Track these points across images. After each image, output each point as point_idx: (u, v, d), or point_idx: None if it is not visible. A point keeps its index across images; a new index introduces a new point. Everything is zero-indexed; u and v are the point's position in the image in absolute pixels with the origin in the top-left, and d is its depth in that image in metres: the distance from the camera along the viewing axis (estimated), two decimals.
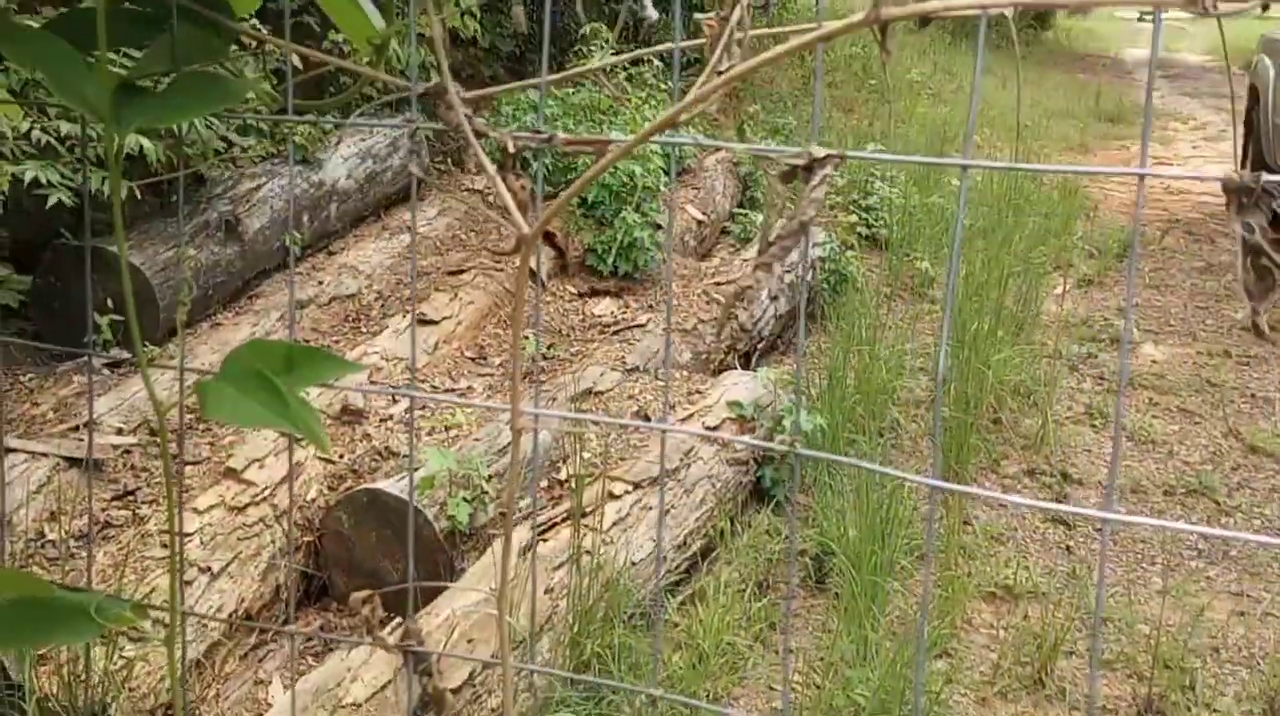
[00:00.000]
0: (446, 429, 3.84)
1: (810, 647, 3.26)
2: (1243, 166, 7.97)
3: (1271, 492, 4.25)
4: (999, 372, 4.72)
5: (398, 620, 2.95)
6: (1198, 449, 4.56)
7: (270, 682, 2.99)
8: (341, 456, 3.64)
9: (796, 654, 3.24)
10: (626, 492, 3.51)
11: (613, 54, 6.69)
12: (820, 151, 0.81)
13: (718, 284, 5.33)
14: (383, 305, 4.93)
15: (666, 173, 6.78)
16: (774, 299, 5.47)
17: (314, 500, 3.43)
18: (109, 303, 3.97)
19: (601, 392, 4.15)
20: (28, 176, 3.89)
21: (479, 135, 0.89)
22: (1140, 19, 23.02)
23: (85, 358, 3.99)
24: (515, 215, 0.86)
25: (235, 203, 4.80)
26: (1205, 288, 6.69)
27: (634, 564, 3.30)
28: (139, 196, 4.24)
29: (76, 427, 3.53)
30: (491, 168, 0.88)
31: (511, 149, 0.90)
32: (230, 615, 3.04)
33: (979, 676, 3.14)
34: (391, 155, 5.96)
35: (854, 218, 7.05)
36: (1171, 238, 7.76)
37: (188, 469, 3.45)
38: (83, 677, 2.61)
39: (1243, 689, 3.13)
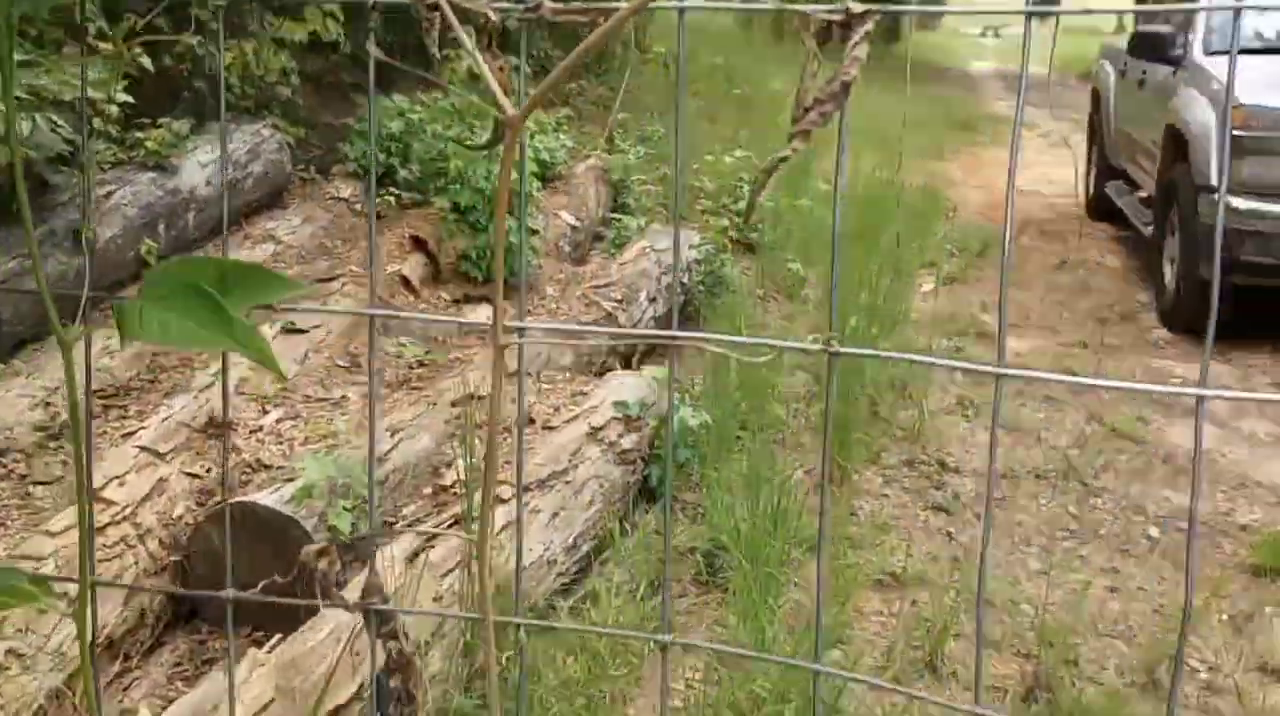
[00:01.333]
0: (322, 437, 3.68)
1: (700, 644, 3.22)
2: (1088, 171, 8.31)
3: (1134, 473, 4.41)
4: (874, 368, 4.79)
5: (277, 637, 2.80)
6: (1064, 434, 4.71)
7: (137, 712, 2.79)
8: (208, 470, 3.45)
9: (692, 650, 3.20)
10: (513, 496, 3.42)
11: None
12: (859, 7, 0.76)
13: (596, 287, 5.28)
14: (246, 316, 4.71)
15: (540, 179, 6.72)
16: (652, 301, 5.46)
17: (180, 517, 3.24)
18: None
19: (484, 396, 4.05)
20: None
21: (434, 8, 0.81)
22: (983, 35, 24.02)
23: None
24: (499, 96, 0.78)
25: (84, 207, 4.53)
26: (1060, 283, 6.96)
27: (525, 567, 3.21)
28: None
29: None
30: (470, 43, 0.80)
31: (493, 18, 0.82)
32: (90, 643, 2.83)
33: (872, 663, 3.15)
34: (252, 162, 5.74)
35: (725, 222, 7.10)
36: (1026, 237, 8.05)
37: (39, 490, 3.23)
38: None
39: (1123, 661, 3.21)
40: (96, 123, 4.83)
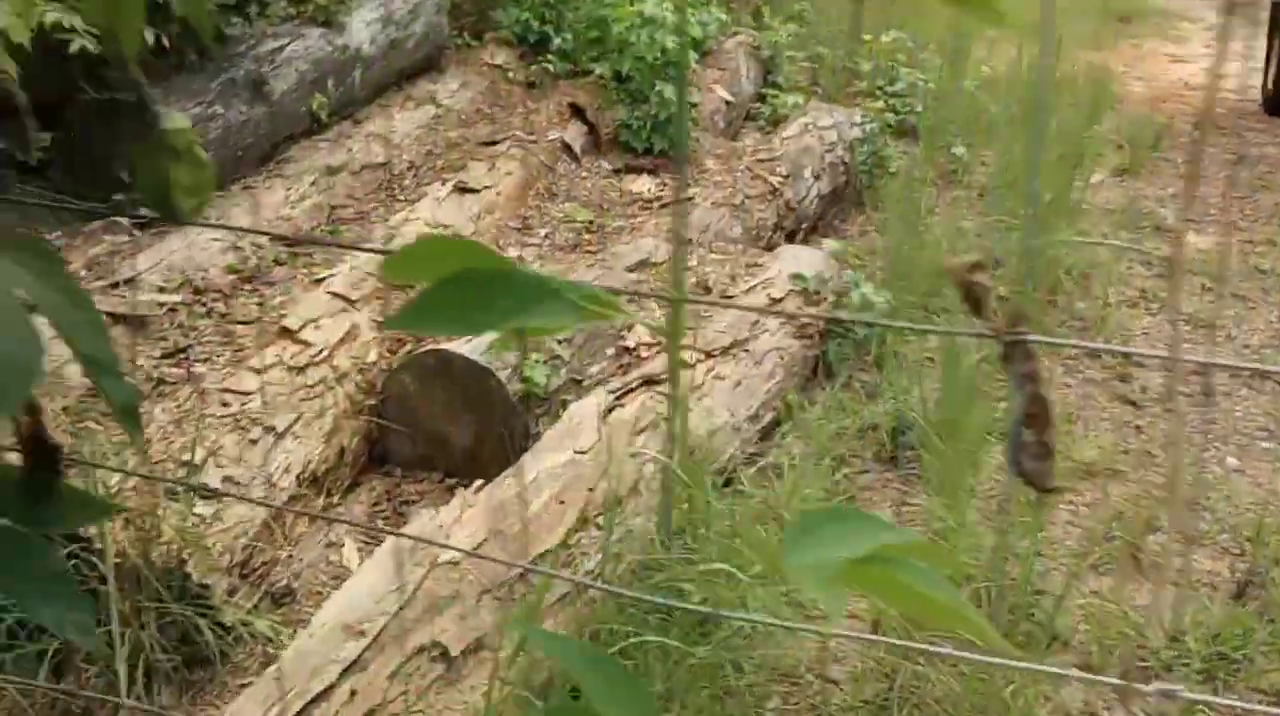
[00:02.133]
0: None
1: (890, 518, 3.17)
2: (1266, 65, 7.78)
3: None
4: (1049, 256, 4.59)
5: (479, 482, 2.83)
6: (1256, 332, 4.48)
7: (343, 545, 2.86)
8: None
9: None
10: (699, 361, 3.37)
11: None
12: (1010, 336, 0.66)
13: (760, 162, 5.14)
14: (415, 174, 4.71)
15: (697, 49, 6.52)
16: (817, 178, 5.29)
17: (374, 363, 3.27)
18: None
19: (658, 263, 3.99)
20: (49, 19, 3.62)
21: None
22: None
23: (114, 217, 3.77)
24: None
25: (259, 62, 4.53)
26: (1239, 179, 6.57)
27: (711, 433, 3.18)
28: (167, 46, 3.97)
29: (116, 284, 3.33)
30: None
31: None
32: (298, 476, 2.90)
33: (1067, 550, 3.07)
34: (413, 22, 5.67)
35: (880, 104, 6.84)
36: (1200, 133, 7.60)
37: (239, 328, 3.28)
38: (155, 535, 2.47)
39: None
40: None
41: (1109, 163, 6.61)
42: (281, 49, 4.70)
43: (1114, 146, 7.00)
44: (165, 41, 3.91)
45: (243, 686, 2.36)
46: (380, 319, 3.41)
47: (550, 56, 5.98)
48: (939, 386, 3.44)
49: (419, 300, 0.60)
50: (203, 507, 2.58)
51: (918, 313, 4.13)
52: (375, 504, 3.04)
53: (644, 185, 5.21)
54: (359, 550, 2.86)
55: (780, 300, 3.80)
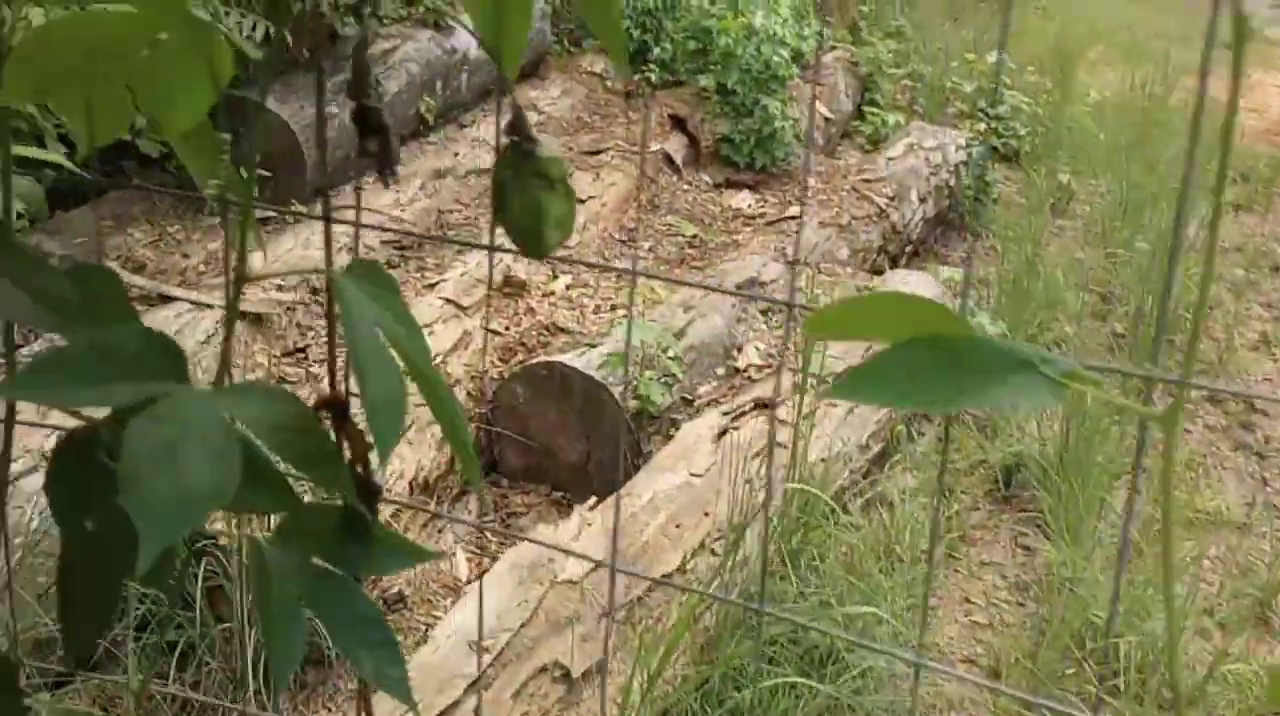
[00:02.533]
0: (613, 308, 3.63)
1: (1004, 562, 3.07)
2: None
3: None
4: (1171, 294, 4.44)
5: (593, 500, 2.78)
6: None
7: (454, 554, 2.83)
8: (507, 328, 3.44)
9: (990, 568, 3.06)
10: (811, 387, 3.30)
11: None
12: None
13: (867, 182, 5.05)
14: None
15: (796, 63, 6.45)
16: (923, 201, 5.20)
17: (485, 371, 3.24)
18: (255, 157, 3.75)
19: (766, 282, 3.92)
20: None
21: None
22: None
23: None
24: None
25: (372, 63, 4.54)
26: None
27: (822, 461, 3.11)
28: (288, 45, 3.99)
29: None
30: None
31: None
32: (410, 482, 2.88)
33: (1194, 606, 2.94)
34: None
35: (982, 126, 6.71)
36: None
37: None
38: None
39: None
40: None
41: (1225, 196, 6.42)
42: (393, 50, 4.71)
43: (1228, 181, 6.79)
44: (288, 40, 3.93)
45: (355, 691, 2.34)
46: (490, 328, 3.39)
47: (650, 66, 5.96)
48: (1058, 423, 3.34)
49: (870, 366, 0.55)
50: None
51: (1032, 345, 4.02)
52: (484, 513, 3.01)
53: (745, 200, 5.15)
54: (468, 559, 2.83)
55: None
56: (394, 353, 0.65)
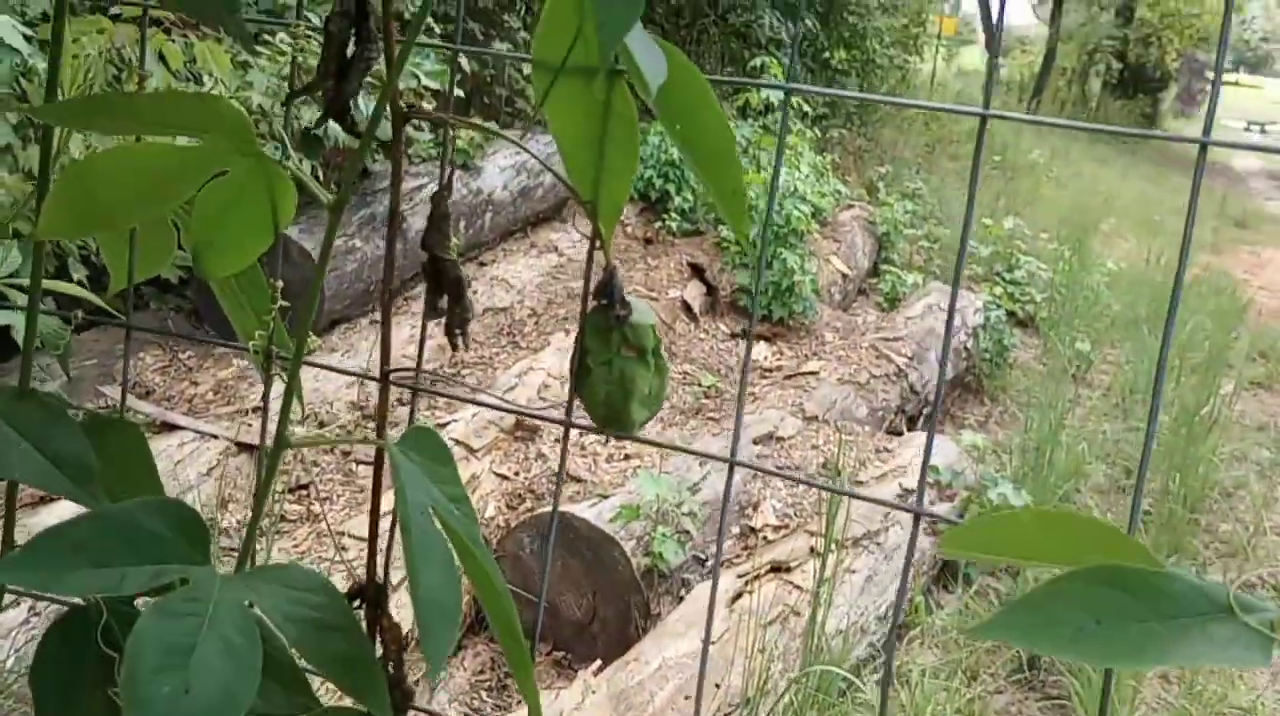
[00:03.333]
0: (626, 457, 3.54)
1: None
2: None
3: None
4: (1187, 472, 4.35)
5: (598, 663, 2.64)
6: None
7: (444, 714, 2.67)
8: (516, 473, 3.34)
9: None
10: (830, 551, 3.18)
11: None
12: None
13: (886, 341, 5.02)
14: (537, 322, 4.67)
15: (815, 219, 6.52)
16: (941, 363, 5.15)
17: (492, 518, 3.13)
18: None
19: (784, 438, 3.84)
20: None
21: None
22: (1247, 128, 22.65)
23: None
24: None
25: (405, 196, 4.57)
26: None
27: (840, 631, 2.96)
28: (320, 178, 4.01)
29: (245, 412, 3.26)
30: None
31: None
32: (406, 634, 2.73)
33: None
34: (543, 172, 5.74)
35: (999, 290, 6.74)
36: None
37: (361, 468, 3.18)
38: None
39: None
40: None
41: (1241, 374, 6.39)
42: (420, 188, 4.74)
43: (1246, 357, 6.78)
44: (319, 174, 3.95)
45: None
46: (499, 472, 3.29)
47: (671, 214, 6.02)
48: None
49: (1031, 602, 0.46)
50: None
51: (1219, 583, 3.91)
52: (479, 672, 2.86)
53: (762, 352, 5.11)
54: None
55: (913, 491, 3.61)
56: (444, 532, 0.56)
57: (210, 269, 0.64)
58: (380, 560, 0.66)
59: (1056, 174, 12.16)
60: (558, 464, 3.33)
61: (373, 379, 0.83)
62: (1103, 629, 0.45)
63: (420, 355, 0.78)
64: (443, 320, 0.66)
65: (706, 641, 0.89)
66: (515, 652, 0.61)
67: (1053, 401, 4.68)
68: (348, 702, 0.63)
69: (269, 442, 0.64)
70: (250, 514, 0.53)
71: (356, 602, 0.63)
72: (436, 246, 0.63)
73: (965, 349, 5.44)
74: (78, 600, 0.62)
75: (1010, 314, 6.49)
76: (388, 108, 0.59)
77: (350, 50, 0.58)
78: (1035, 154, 12.18)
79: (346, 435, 3.33)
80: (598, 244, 0.62)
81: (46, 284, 0.66)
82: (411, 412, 0.79)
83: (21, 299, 0.75)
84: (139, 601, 0.64)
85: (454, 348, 0.68)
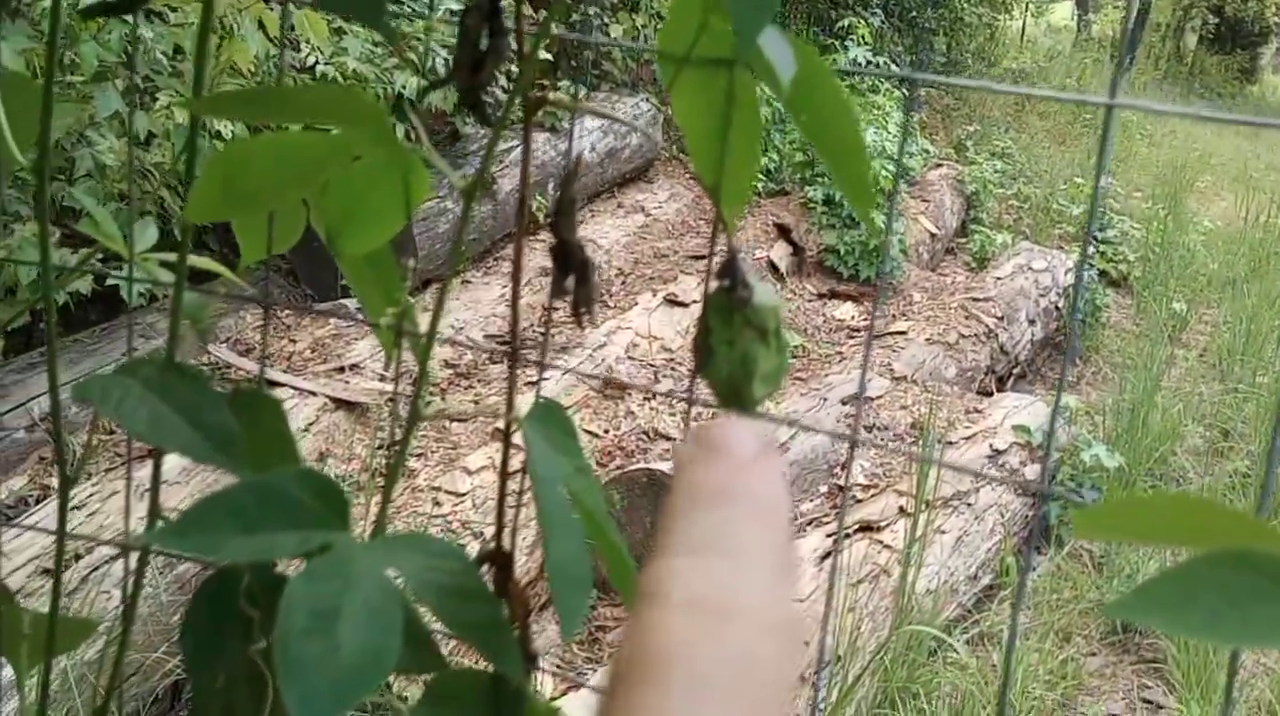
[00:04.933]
0: (714, 415, 3.55)
1: (1123, 713, 2.88)
2: None
3: None
4: None
5: None
6: None
7: (540, 670, 2.74)
8: (606, 431, 3.39)
9: None
10: (919, 511, 3.17)
11: None
12: None
13: (975, 301, 4.95)
14: (624, 281, 4.69)
15: (903, 177, 6.43)
16: (1031, 323, 5.07)
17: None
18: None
19: (872, 398, 3.82)
20: None
21: None
22: None
23: (341, 300, 3.84)
24: None
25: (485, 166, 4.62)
26: None
27: (930, 591, 2.96)
28: (411, 139, 4.07)
29: (342, 369, 3.35)
30: None
31: None
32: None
33: None
34: (630, 133, 5.75)
35: (1090, 250, 6.58)
36: None
37: (454, 427, 3.25)
38: None
39: None
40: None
41: None
42: (510, 151, 4.78)
43: None
44: (411, 137, 4.01)
45: None
46: (589, 429, 3.34)
47: (757, 175, 5.99)
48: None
49: (1164, 583, 0.46)
50: None
51: (1149, 479, 3.84)
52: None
53: (849, 312, 5.08)
54: (553, 675, 2.73)
55: (1003, 452, 3.58)
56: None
57: (344, 248, 0.67)
58: (478, 523, 0.69)
59: (1151, 131, 11.78)
60: (648, 421, 3.36)
61: (465, 345, 0.86)
62: (1236, 611, 0.46)
63: (547, 321, 0.80)
64: (567, 297, 0.68)
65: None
66: (630, 593, 0.64)
67: (1147, 362, 4.57)
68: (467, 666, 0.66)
69: (402, 416, 0.67)
70: (355, 467, 0.55)
71: (484, 568, 0.66)
72: (565, 230, 0.65)
73: (1056, 308, 5.34)
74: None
75: (1103, 273, 6.35)
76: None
77: (484, 44, 0.59)
78: (1128, 113, 11.80)
79: (442, 394, 3.40)
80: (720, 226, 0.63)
81: (193, 262, 0.70)
82: (538, 386, 0.81)
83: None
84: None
85: (580, 327, 0.70)
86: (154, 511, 0.70)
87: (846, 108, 0.56)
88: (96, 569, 2.36)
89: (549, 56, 5.01)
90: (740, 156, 0.59)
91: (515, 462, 0.69)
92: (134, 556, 0.71)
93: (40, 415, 3.03)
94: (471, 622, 0.57)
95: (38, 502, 2.77)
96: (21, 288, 2.94)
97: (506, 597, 0.67)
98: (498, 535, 0.69)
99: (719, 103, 0.58)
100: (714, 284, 0.65)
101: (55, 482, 2.81)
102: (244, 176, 0.58)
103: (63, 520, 0.68)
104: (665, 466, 3.07)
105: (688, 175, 6.17)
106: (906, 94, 7.24)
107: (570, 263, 0.64)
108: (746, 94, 0.58)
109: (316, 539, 0.57)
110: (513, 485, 0.70)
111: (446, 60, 4.16)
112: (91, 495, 2.62)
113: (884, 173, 5.58)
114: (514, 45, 0.60)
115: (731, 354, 0.63)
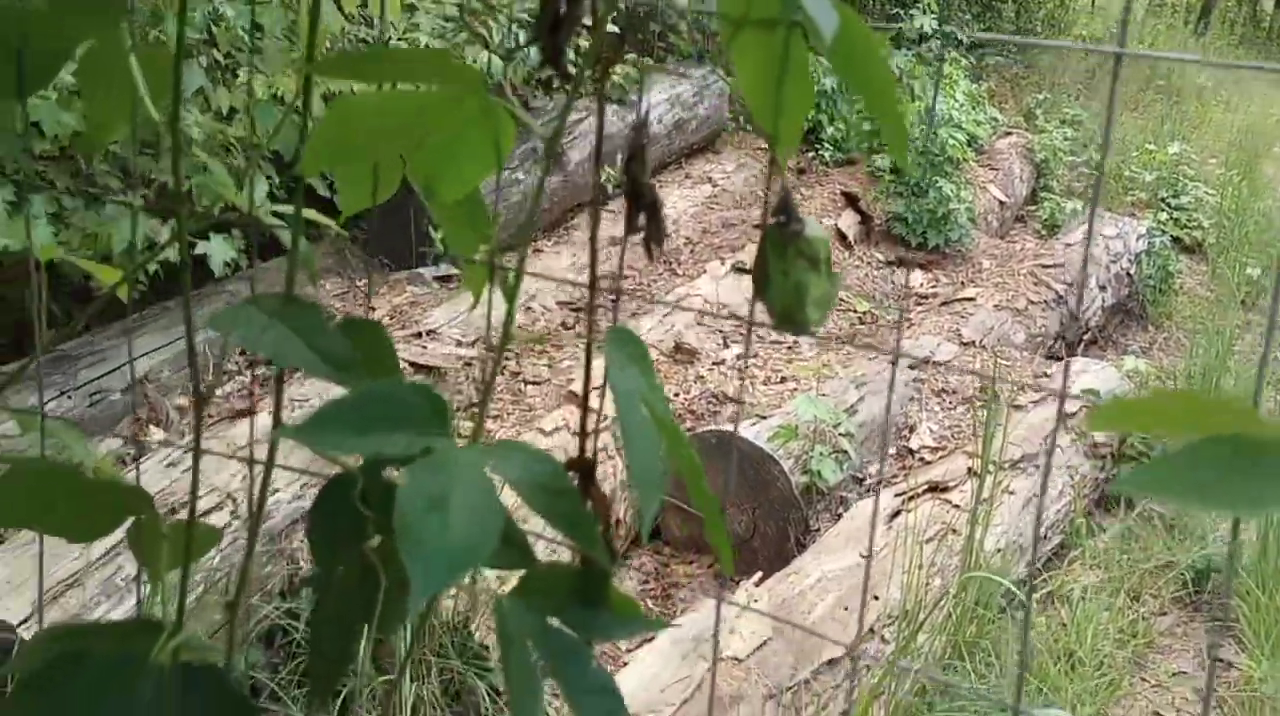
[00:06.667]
0: (782, 380, 3.61)
1: (1196, 674, 2.89)
2: None
3: None
4: None
5: (758, 575, 2.75)
6: None
7: (623, 565, 2.83)
8: (676, 395, 3.46)
9: (1181, 679, 2.88)
10: (988, 472, 3.20)
11: None
12: None
13: (1044, 267, 4.92)
14: (693, 250, 4.75)
15: (971, 146, 6.38)
16: (1102, 289, 5.03)
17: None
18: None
19: (940, 363, 3.84)
20: None
21: None
22: None
23: (417, 269, 3.95)
24: None
25: (558, 133, 4.70)
26: None
27: (998, 550, 3.00)
28: None
29: (418, 334, 3.47)
30: None
31: None
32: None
33: None
34: (697, 105, 5.79)
35: (1163, 216, 6.48)
36: None
37: (529, 388, 3.35)
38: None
39: None
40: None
41: None
42: (579, 122, 4.86)
43: None
44: None
45: None
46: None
47: (824, 144, 5.99)
48: (1254, 530, 3.14)
49: (1164, 462, 0.53)
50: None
51: None
52: (644, 581, 3.01)
53: (916, 279, 5.09)
54: None
55: (1072, 416, 3.58)
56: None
57: (440, 195, 0.75)
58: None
59: (1226, 97, 11.47)
60: (717, 385, 3.43)
61: (574, 283, 0.94)
62: (1225, 483, 0.52)
63: (620, 265, 0.88)
64: (639, 236, 0.76)
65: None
66: (707, 505, 0.71)
67: (1220, 328, 4.52)
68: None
69: (493, 340, 0.74)
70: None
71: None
72: (638, 172, 0.73)
73: (1128, 275, 5.28)
74: (338, 470, 0.74)
75: (1175, 240, 6.25)
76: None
77: (562, 10, 0.67)
78: (1203, 78, 11.51)
79: (517, 359, 3.50)
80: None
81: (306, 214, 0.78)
82: (614, 315, 0.88)
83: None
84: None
85: (650, 258, 0.78)
86: (278, 418, 0.79)
87: (881, 61, 0.62)
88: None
89: (617, 30, 5.07)
90: (792, 106, 0.66)
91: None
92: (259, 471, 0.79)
93: (136, 378, 3.19)
94: (561, 514, 0.65)
95: (134, 461, 2.92)
96: (116, 257, 3.08)
97: (590, 499, 0.75)
98: (581, 447, 0.77)
99: (773, 59, 0.65)
100: (770, 220, 0.72)
101: (152, 440, 2.96)
102: (351, 132, 0.66)
103: (198, 436, 0.77)
104: (733, 428, 3.14)
105: (754, 146, 6.20)
106: (974, 61, 7.16)
107: (641, 202, 0.72)
108: (798, 50, 0.65)
109: (422, 441, 0.65)
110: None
111: (517, 35, 4.24)
112: (186, 454, 2.76)
113: (952, 140, 5.56)
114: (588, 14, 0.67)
115: (786, 282, 0.70)
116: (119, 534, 0.79)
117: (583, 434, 0.77)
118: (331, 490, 0.73)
